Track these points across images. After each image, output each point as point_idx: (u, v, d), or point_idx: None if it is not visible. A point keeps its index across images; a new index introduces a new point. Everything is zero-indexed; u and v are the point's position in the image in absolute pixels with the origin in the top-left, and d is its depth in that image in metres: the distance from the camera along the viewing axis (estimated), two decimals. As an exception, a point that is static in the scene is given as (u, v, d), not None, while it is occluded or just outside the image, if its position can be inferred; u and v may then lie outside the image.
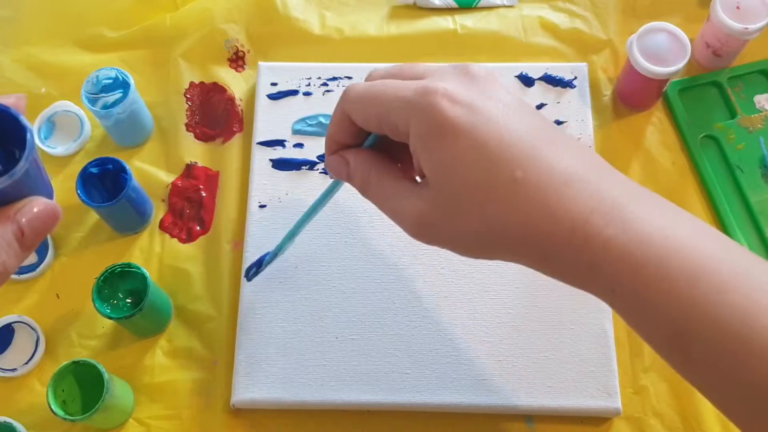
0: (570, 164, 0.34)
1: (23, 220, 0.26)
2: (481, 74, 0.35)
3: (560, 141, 0.35)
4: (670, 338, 0.32)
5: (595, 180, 0.34)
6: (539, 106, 0.63)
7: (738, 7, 0.61)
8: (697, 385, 0.34)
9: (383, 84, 0.37)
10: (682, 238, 0.32)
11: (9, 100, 0.27)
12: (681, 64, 0.59)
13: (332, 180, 0.45)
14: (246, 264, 0.58)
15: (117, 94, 0.60)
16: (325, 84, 0.64)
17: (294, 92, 0.64)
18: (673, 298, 0.32)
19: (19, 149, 0.26)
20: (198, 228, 0.61)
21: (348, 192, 0.60)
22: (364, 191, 0.40)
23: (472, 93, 0.34)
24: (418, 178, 0.39)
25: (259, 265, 0.56)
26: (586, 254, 0.33)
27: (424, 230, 0.37)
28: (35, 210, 0.27)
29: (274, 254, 0.56)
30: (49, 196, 0.28)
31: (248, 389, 0.54)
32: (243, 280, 0.58)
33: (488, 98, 0.34)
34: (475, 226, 0.35)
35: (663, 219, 0.33)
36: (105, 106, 0.60)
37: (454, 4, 0.69)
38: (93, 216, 0.61)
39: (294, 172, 0.61)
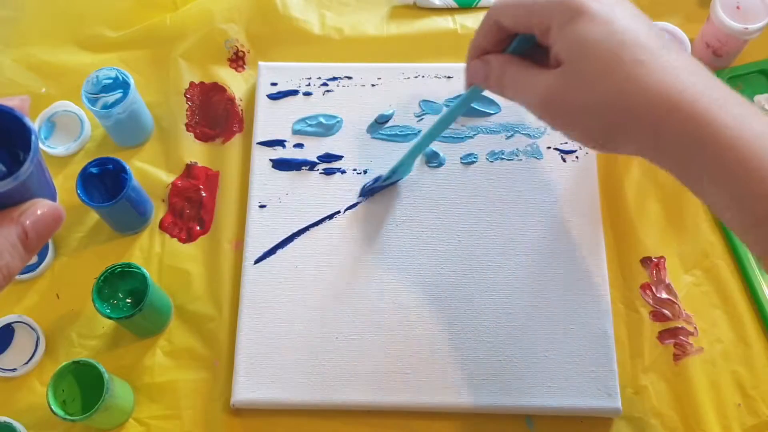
0: (686, 61, 0.38)
1: (27, 222, 0.26)
2: None
3: (674, 46, 0.39)
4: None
5: (707, 75, 0.38)
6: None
7: (738, 7, 0.61)
8: None
9: None
10: None
11: (13, 102, 0.27)
12: (681, 64, 0.58)
13: (467, 90, 0.48)
14: (247, 262, 0.58)
15: (117, 94, 0.60)
16: (325, 84, 0.64)
17: (294, 92, 0.64)
18: None
19: (24, 151, 0.26)
20: (198, 228, 0.61)
21: (347, 192, 0.60)
22: (501, 85, 0.44)
23: None
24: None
25: (375, 182, 0.59)
26: (697, 131, 0.36)
27: (551, 104, 0.41)
28: (39, 212, 0.27)
29: (394, 171, 0.58)
30: (53, 197, 0.28)
31: (248, 389, 0.54)
32: (243, 280, 0.58)
33: (620, 1, 0.40)
34: (599, 98, 0.38)
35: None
36: (105, 106, 0.60)
37: (454, 4, 0.69)
38: (93, 216, 0.61)
39: (294, 172, 0.61)
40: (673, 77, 0.37)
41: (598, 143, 0.41)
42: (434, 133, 0.54)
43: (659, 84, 0.37)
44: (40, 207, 0.27)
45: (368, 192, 0.60)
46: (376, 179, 0.59)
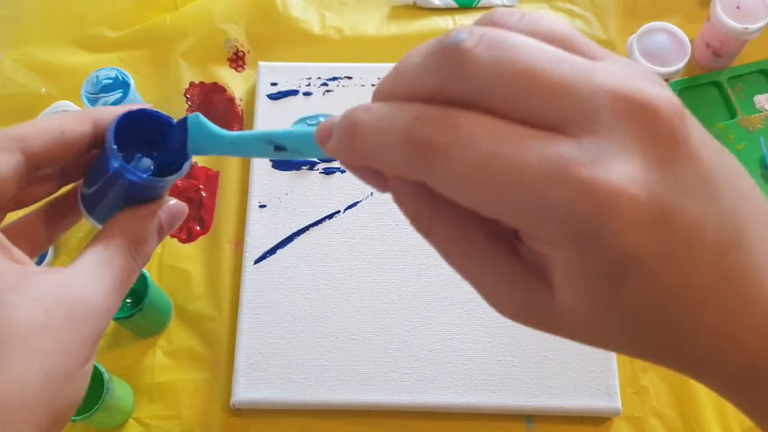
0: None
1: (164, 216, 0.29)
2: (680, 134, 0.19)
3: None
4: None
5: None
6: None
7: (738, 7, 0.61)
8: None
9: (514, 151, 0.19)
10: None
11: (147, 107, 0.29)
12: (681, 64, 0.59)
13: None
14: (247, 262, 0.58)
15: (117, 94, 0.60)
16: (325, 84, 0.64)
17: (294, 92, 0.64)
18: None
19: (150, 148, 0.29)
20: (198, 228, 0.61)
21: (347, 192, 0.60)
22: (420, 230, 0.24)
23: (668, 187, 0.19)
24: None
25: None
26: None
27: (533, 323, 0.24)
28: (172, 206, 0.30)
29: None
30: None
31: (248, 389, 0.54)
32: (243, 280, 0.57)
33: (687, 193, 0.20)
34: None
35: None
36: (104, 106, 0.60)
37: (454, 4, 0.69)
38: (93, 216, 0.61)
39: (294, 172, 0.61)
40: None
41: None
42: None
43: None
44: (171, 202, 0.30)
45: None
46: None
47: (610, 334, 0.23)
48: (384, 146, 0.21)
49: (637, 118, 0.19)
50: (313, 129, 0.25)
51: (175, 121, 0.29)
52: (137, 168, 0.29)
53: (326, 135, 0.23)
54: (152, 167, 0.30)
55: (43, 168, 0.28)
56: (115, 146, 0.27)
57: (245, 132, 0.28)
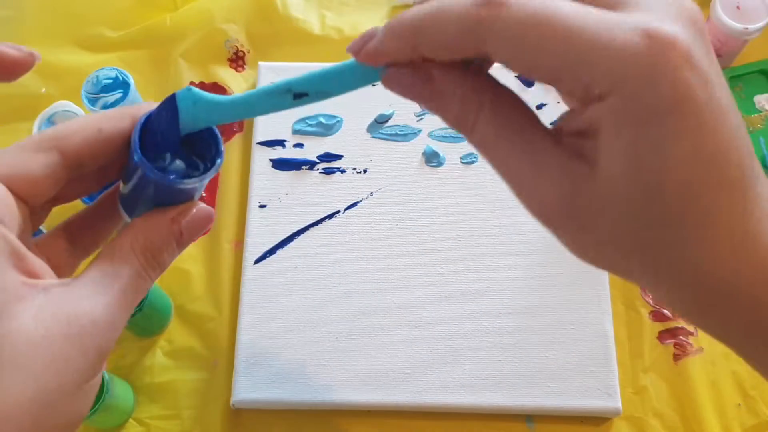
0: None
1: (184, 222, 0.28)
2: (700, 20, 0.23)
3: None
4: None
5: None
6: (539, 107, 0.63)
7: (738, 7, 0.61)
8: None
9: (571, 11, 0.21)
10: None
11: (153, 105, 0.28)
12: (681, 64, 0.59)
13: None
14: (247, 262, 0.58)
15: (117, 94, 0.60)
16: (325, 84, 0.64)
17: (294, 92, 0.64)
18: None
19: (192, 152, 0.28)
20: (198, 228, 0.61)
21: (347, 191, 0.60)
22: (465, 130, 0.25)
23: (706, 56, 0.22)
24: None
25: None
26: None
27: (567, 220, 0.24)
28: (195, 213, 0.29)
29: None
30: (199, 199, 0.30)
31: (248, 389, 0.54)
32: (243, 280, 0.58)
33: (717, 72, 0.22)
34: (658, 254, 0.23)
35: None
36: (105, 106, 0.60)
37: (454, 4, 0.69)
38: (93, 216, 0.61)
39: (294, 172, 0.61)
40: None
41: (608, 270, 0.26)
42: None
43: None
44: (195, 208, 0.29)
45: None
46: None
47: (638, 224, 0.23)
48: (440, 19, 0.23)
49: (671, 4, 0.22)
50: (337, 64, 0.29)
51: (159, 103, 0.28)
52: (168, 168, 0.28)
53: (360, 43, 0.28)
54: (185, 169, 0.29)
55: (85, 166, 0.27)
56: (138, 139, 0.26)
57: (254, 90, 0.27)
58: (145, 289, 0.27)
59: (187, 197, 0.28)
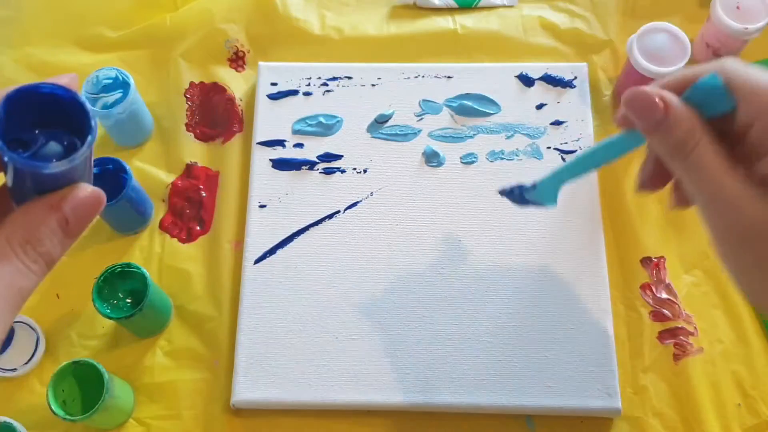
0: None
1: (67, 208, 0.26)
2: None
3: None
4: None
5: None
6: (539, 106, 0.63)
7: (738, 7, 0.61)
8: None
9: None
10: None
11: (62, 80, 0.27)
12: (681, 64, 0.59)
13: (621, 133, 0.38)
14: (247, 262, 0.58)
15: (117, 94, 0.60)
16: (325, 84, 0.64)
17: (294, 92, 0.64)
18: None
19: (75, 134, 0.26)
20: (198, 228, 0.61)
21: (347, 192, 0.60)
22: (682, 153, 0.32)
23: None
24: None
25: (521, 193, 0.52)
26: None
27: (739, 245, 0.31)
28: (80, 197, 0.26)
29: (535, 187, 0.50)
30: (90, 182, 0.28)
31: (248, 389, 0.54)
32: (243, 280, 0.58)
33: None
34: None
35: None
36: (105, 106, 0.60)
37: (454, 4, 0.69)
38: (93, 216, 0.61)
39: (294, 172, 0.61)
40: None
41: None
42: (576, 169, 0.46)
43: None
44: (80, 191, 0.26)
45: (503, 193, 0.53)
46: (517, 187, 0.52)
47: None
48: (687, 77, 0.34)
49: None
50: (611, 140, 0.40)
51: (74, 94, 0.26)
52: (41, 152, 0.25)
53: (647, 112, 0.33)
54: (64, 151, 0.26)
55: None
56: None
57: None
58: (29, 287, 0.25)
59: (67, 181, 0.26)
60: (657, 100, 0.32)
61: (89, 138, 0.25)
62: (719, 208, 0.31)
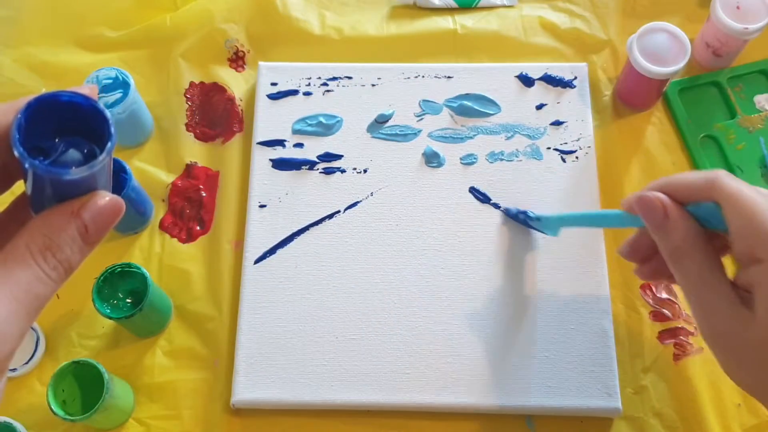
0: None
1: (87, 216, 0.26)
2: None
3: None
4: None
5: None
6: (539, 106, 0.63)
7: (738, 7, 0.61)
8: None
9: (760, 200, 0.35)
10: None
11: (83, 91, 0.27)
12: (681, 64, 0.59)
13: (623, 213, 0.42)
14: (247, 262, 0.58)
15: (117, 94, 0.60)
16: (325, 84, 0.64)
17: (294, 92, 0.64)
18: None
19: (96, 142, 0.26)
20: (198, 228, 0.61)
21: (347, 192, 0.60)
22: (675, 257, 0.37)
23: None
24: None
25: (524, 219, 0.57)
26: None
27: (723, 345, 0.35)
28: (100, 204, 0.26)
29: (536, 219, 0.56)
30: (110, 189, 0.28)
31: (248, 389, 0.54)
32: (243, 280, 0.58)
33: None
34: None
35: None
36: (105, 106, 0.60)
37: (454, 4, 0.69)
38: (93, 216, 0.61)
39: (294, 172, 0.61)
40: None
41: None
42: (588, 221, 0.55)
43: None
44: (100, 199, 0.26)
45: (508, 213, 0.59)
46: (522, 213, 0.58)
47: None
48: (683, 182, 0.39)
49: None
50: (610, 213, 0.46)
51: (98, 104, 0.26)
52: (60, 160, 0.26)
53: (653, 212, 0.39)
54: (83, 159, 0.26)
55: None
56: (17, 133, 0.24)
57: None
58: (47, 294, 0.25)
59: (86, 188, 0.26)
60: (660, 205, 0.38)
61: (109, 145, 0.25)
62: (697, 312, 0.37)
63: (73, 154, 0.26)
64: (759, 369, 0.34)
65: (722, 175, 0.36)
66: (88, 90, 0.26)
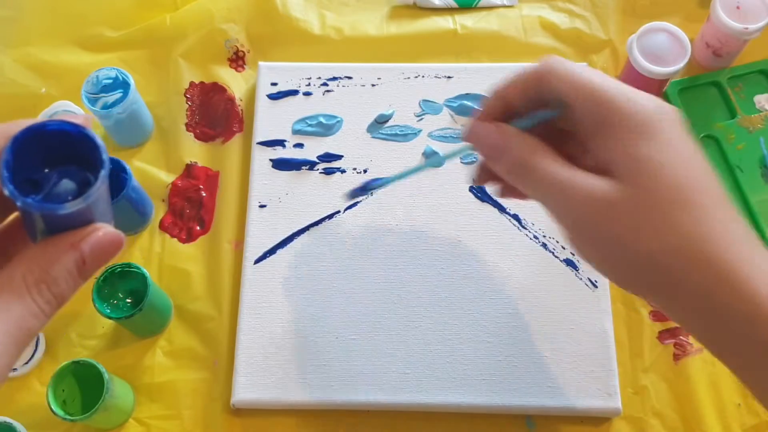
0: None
1: (87, 248, 0.25)
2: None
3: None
4: None
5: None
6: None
7: (738, 7, 0.61)
8: None
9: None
10: None
11: (77, 120, 0.26)
12: (681, 64, 0.59)
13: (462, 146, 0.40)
14: (247, 262, 0.58)
15: (117, 94, 0.60)
16: (325, 84, 0.64)
17: (294, 92, 0.64)
18: None
19: (91, 172, 0.26)
20: (198, 228, 0.61)
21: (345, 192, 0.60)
22: (519, 174, 0.36)
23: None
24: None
25: (364, 189, 0.51)
26: (757, 307, 0.31)
27: (593, 225, 0.33)
28: (99, 237, 0.26)
29: (379, 185, 0.51)
30: (110, 220, 0.27)
31: (248, 389, 0.54)
32: (243, 280, 0.58)
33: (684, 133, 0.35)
34: (664, 240, 0.32)
35: None
36: (105, 106, 0.60)
37: (454, 4, 0.69)
38: (93, 216, 0.61)
39: (294, 172, 0.61)
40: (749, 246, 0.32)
41: (623, 278, 0.35)
42: (406, 174, 0.47)
43: (719, 240, 0.32)
44: (101, 231, 0.26)
45: (352, 197, 0.53)
46: (366, 185, 0.51)
47: (645, 212, 0.32)
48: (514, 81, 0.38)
49: None
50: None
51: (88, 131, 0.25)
52: (54, 191, 0.25)
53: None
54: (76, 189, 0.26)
55: None
56: (5, 171, 0.24)
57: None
58: (37, 328, 0.24)
59: (83, 218, 0.25)
60: (496, 136, 0.36)
61: (102, 172, 0.25)
62: (559, 211, 0.35)
63: (67, 184, 0.26)
64: (626, 242, 0.32)
65: (552, 64, 0.35)
66: (83, 119, 0.26)
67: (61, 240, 0.25)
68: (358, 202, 0.60)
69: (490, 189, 0.44)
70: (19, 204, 0.24)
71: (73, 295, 0.26)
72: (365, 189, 0.52)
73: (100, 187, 0.25)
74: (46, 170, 0.26)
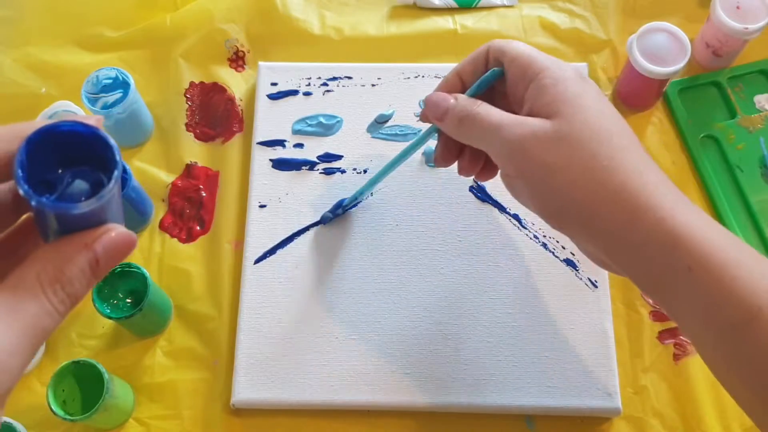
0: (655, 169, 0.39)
1: (100, 248, 0.26)
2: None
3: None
4: (737, 322, 0.35)
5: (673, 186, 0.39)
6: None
7: (738, 7, 0.61)
8: (748, 376, 0.38)
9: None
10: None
11: (89, 121, 0.26)
12: (681, 64, 0.59)
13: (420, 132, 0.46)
14: (247, 262, 0.58)
15: (117, 94, 0.60)
16: (325, 84, 0.64)
17: (294, 92, 0.64)
18: (750, 282, 0.35)
19: (104, 172, 0.26)
20: (198, 228, 0.61)
21: (347, 192, 0.60)
22: (464, 124, 0.42)
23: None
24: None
25: (337, 208, 0.59)
26: (670, 233, 0.36)
27: (524, 155, 0.38)
28: (113, 237, 0.26)
29: (353, 199, 0.58)
30: (122, 221, 0.27)
31: (248, 389, 0.54)
32: (243, 280, 0.58)
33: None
34: (581, 167, 0.37)
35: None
36: (105, 106, 0.60)
37: (454, 4, 0.69)
38: (93, 216, 0.61)
39: (294, 172, 0.61)
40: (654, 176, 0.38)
41: (555, 216, 0.40)
42: (388, 170, 0.53)
43: (633, 174, 0.37)
44: (114, 231, 0.26)
45: (328, 219, 0.59)
46: (338, 205, 0.59)
47: (571, 144, 0.38)
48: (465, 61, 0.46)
49: None
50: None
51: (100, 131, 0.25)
52: (67, 191, 0.25)
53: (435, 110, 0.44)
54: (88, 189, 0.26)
55: None
56: (20, 171, 0.24)
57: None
58: (52, 327, 0.24)
59: (96, 219, 0.26)
60: (442, 100, 0.43)
61: (115, 173, 0.25)
62: (502, 157, 0.40)
63: (80, 184, 0.26)
64: (554, 170, 0.38)
65: (494, 42, 0.43)
66: (95, 120, 0.26)
67: (75, 240, 0.25)
68: (358, 202, 0.60)
69: (460, 170, 0.48)
70: (33, 203, 0.24)
71: (86, 294, 0.26)
72: (337, 209, 0.59)
73: (113, 187, 0.25)
74: (60, 171, 0.26)
